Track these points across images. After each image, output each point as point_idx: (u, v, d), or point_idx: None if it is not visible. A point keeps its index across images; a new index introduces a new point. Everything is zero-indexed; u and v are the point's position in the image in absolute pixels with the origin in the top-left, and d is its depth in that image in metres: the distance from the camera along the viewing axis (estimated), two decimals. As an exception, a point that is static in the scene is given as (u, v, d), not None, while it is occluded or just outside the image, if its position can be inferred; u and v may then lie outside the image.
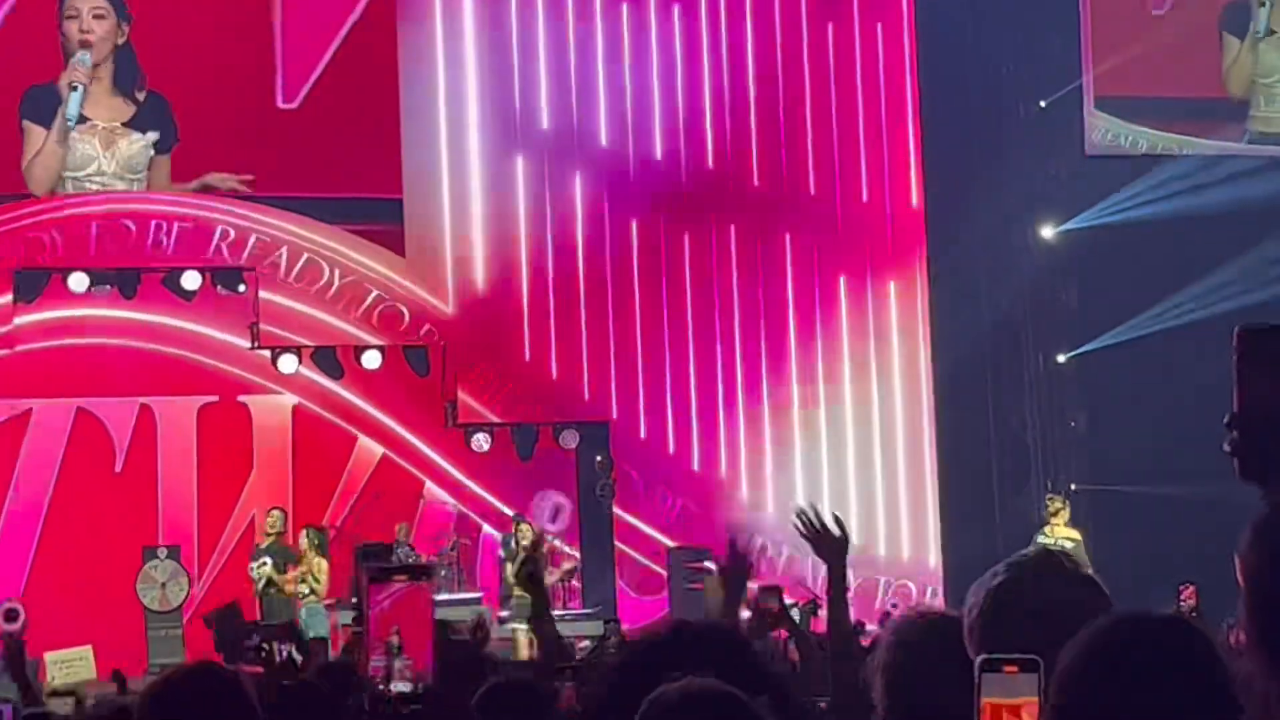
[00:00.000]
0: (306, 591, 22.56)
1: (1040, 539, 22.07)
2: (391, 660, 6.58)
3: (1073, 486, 24.91)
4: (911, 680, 4.36)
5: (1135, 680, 3.19)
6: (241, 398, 24.54)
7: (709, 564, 22.98)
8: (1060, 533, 22.50)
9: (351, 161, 24.99)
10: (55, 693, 16.26)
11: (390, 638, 6.49)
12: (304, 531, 22.84)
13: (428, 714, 6.62)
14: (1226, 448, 3.19)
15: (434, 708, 6.77)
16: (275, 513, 23.03)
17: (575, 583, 23.79)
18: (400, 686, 6.53)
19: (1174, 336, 25.18)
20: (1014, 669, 3.29)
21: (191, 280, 23.50)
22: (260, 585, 22.21)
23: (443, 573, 21.95)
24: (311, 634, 20.59)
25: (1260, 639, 2.94)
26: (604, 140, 25.93)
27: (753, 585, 17.52)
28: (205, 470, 24.47)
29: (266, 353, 23.92)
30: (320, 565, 22.39)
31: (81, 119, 24.68)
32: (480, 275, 25.45)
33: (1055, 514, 22.92)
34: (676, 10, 26.04)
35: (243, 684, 5.52)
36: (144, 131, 24.72)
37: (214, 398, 24.59)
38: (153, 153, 24.71)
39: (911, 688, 4.36)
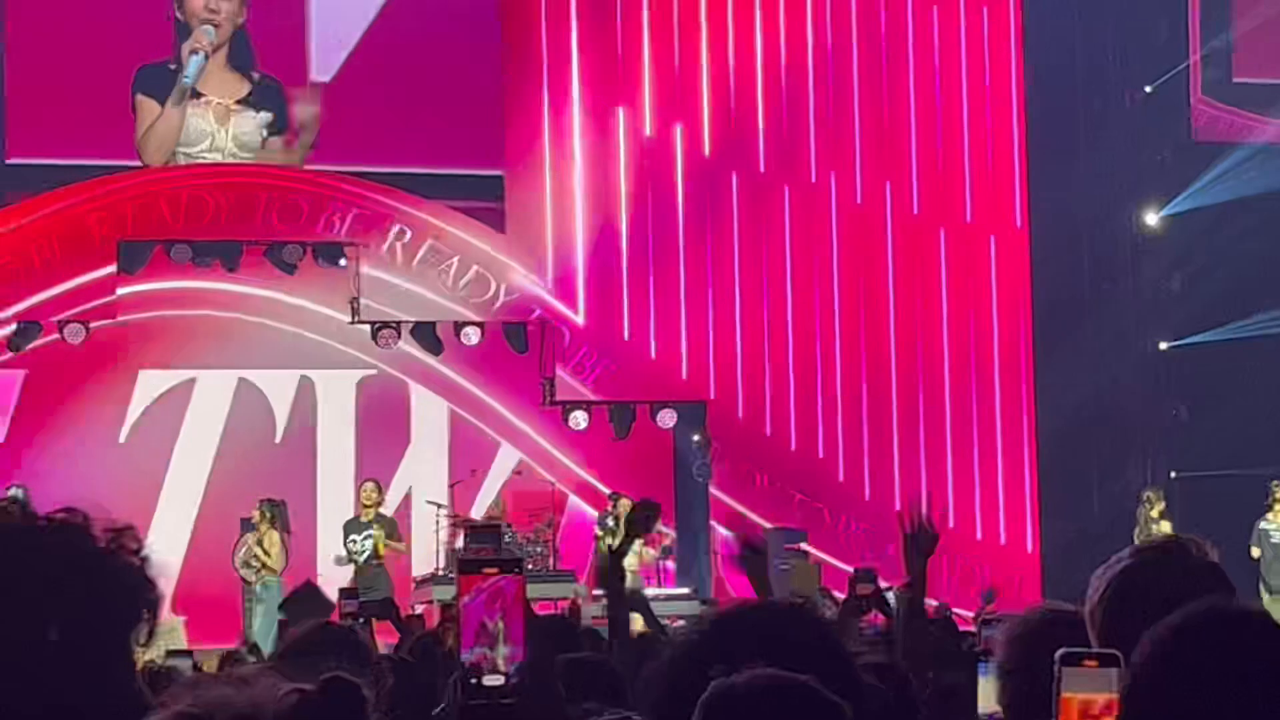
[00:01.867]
0: (258, 566, 22.04)
1: (1263, 524, 21.68)
2: (488, 651, 4.91)
3: (1172, 474, 24.36)
4: (1032, 675, 4.06)
5: (1201, 679, 3.03)
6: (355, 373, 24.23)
7: (804, 546, 23.05)
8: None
9: (454, 138, 24.67)
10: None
11: (490, 626, 4.84)
12: (258, 505, 22.17)
13: (521, 703, 4.95)
14: None
15: (524, 693, 5.12)
16: (369, 485, 22.58)
17: (670, 562, 23.30)
18: (492, 680, 4.93)
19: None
20: (1094, 664, 3.21)
21: (294, 254, 23.13)
22: (364, 557, 21.77)
23: (538, 549, 21.71)
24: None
25: None
26: (706, 135, 25.17)
27: (848, 569, 15.27)
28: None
29: (366, 327, 23.52)
30: (272, 538, 21.89)
31: (196, 94, 24.54)
32: (580, 253, 25.11)
33: (1275, 496, 22.07)
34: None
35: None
36: (258, 111, 24.79)
37: (373, 371, 24.25)
38: (266, 133, 24.77)
39: (1032, 683, 4.03)
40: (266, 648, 16.48)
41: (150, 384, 24.00)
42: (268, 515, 22.14)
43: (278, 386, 24.40)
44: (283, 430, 24.43)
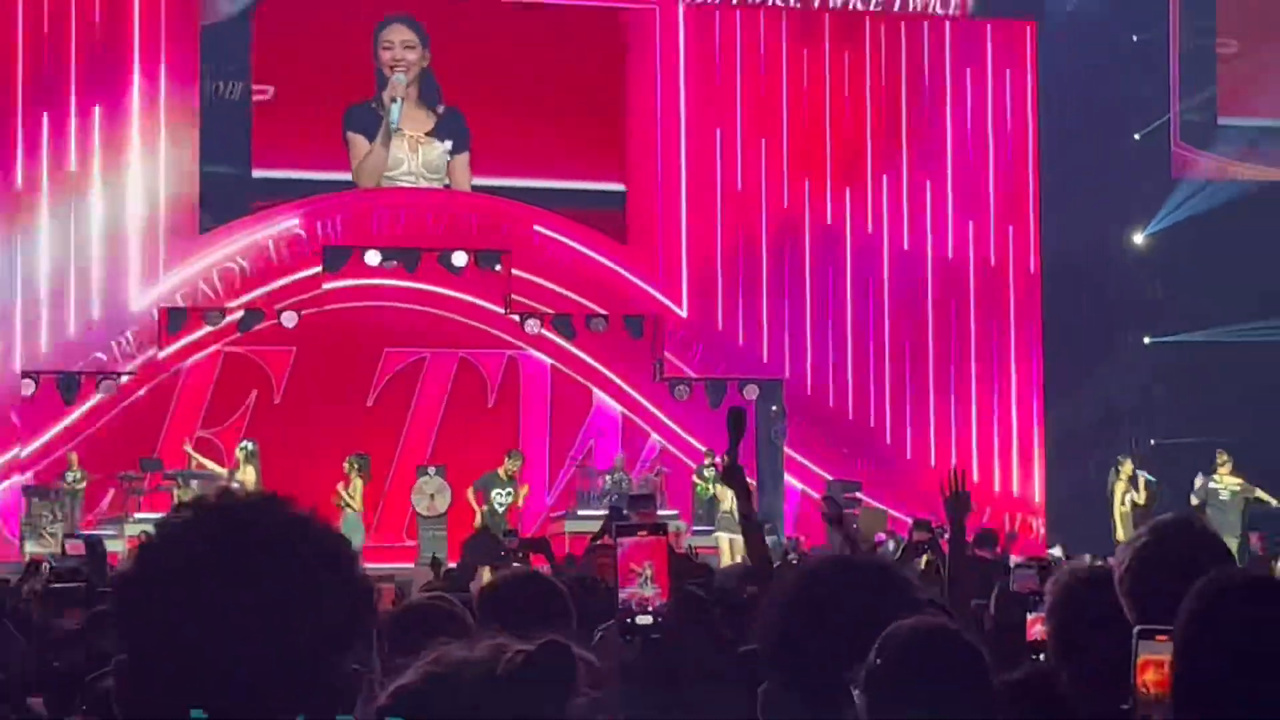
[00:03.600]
0: (343, 504, 22.61)
1: (1211, 484, 22.14)
2: (637, 590, 6.02)
3: (1152, 442, 25.04)
4: (1077, 625, 4.43)
5: (1222, 648, 3.21)
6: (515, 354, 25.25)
7: (860, 495, 23.97)
8: (1226, 481, 22.33)
9: (583, 160, 25.43)
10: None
11: (641, 572, 5.96)
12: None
13: (666, 635, 6.20)
14: None
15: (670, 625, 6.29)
16: (516, 454, 23.62)
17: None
18: (643, 619, 6.13)
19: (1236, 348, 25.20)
20: (1164, 638, 3.37)
21: (460, 259, 24.36)
22: (503, 509, 22.71)
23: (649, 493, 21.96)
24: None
25: None
26: (785, 184, 25.69)
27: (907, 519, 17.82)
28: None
29: (516, 317, 24.72)
30: (356, 484, 22.61)
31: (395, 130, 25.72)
32: (684, 259, 25.88)
33: (1223, 464, 22.59)
34: (841, 51, 25.78)
35: (558, 587, 5.62)
36: (442, 139, 25.44)
37: (520, 351, 24.97)
38: (449, 157, 25.40)
39: (1076, 632, 4.41)
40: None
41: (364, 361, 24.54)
42: (355, 465, 23.21)
43: (442, 365, 25.06)
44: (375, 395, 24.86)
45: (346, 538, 2.47)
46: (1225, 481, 22.43)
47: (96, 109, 24.44)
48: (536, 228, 25.56)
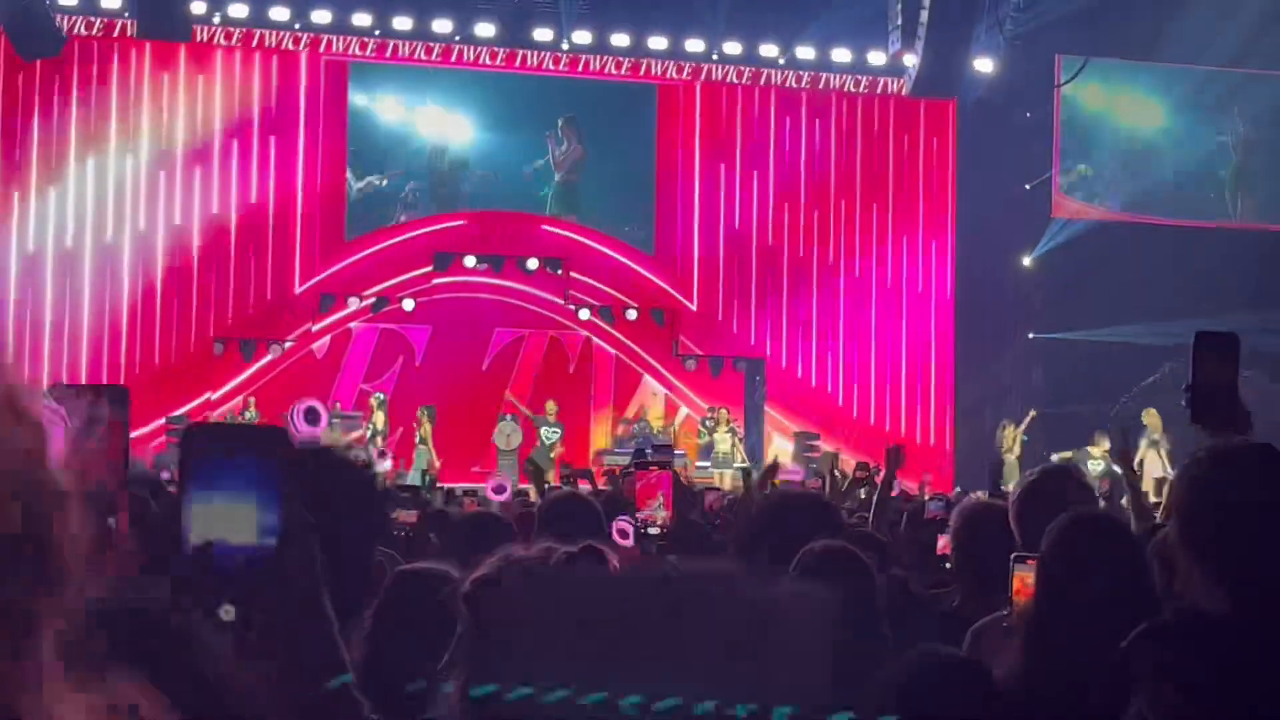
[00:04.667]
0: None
1: (1087, 459, 21.67)
2: (653, 513, 6.87)
3: (1032, 412, 25.13)
4: (974, 545, 4.72)
5: (1073, 571, 3.34)
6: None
7: (821, 444, 24.36)
8: (1097, 457, 21.94)
9: (622, 201, 27.01)
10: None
11: (655, 500, 6.76)
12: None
13: (669, 544, 6.79)
14: (1183, 402, 3.59)
15: (674, 539, 7.00)
16: (550, 403, 24.52)
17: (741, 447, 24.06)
18: (654, 530, 6.85)
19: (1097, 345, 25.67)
20: (1033, 561, 3.56)
21: (533, 263, 26.23)
22: (549, 444, 23.86)
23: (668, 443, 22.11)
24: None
25: (1188, 540, 2.87)
26: (770, 217, 27.09)
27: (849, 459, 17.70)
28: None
29: (573, 307, 26.25)
30: (427, 429, 23.40)
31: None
32: (695, 267, 27.35)
33: (1096, 443, 22.19)
34: (814, 120, 27.35)
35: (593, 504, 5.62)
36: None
37: (573, 331, 25.88)
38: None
39: (974, 550, 4.71)
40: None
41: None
42: (425, 414, 23.97)
43: (537, 341, 26.24)
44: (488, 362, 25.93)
45: (375, 474, 2.80)
46: (1096, 456, 21.96)
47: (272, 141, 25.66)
48: (589, 243, 26.81)
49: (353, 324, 25.76)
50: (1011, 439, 23.90)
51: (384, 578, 3.58)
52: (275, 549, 1.92)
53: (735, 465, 22.46)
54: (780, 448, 24.48)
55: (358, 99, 26.38)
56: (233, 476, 1.91)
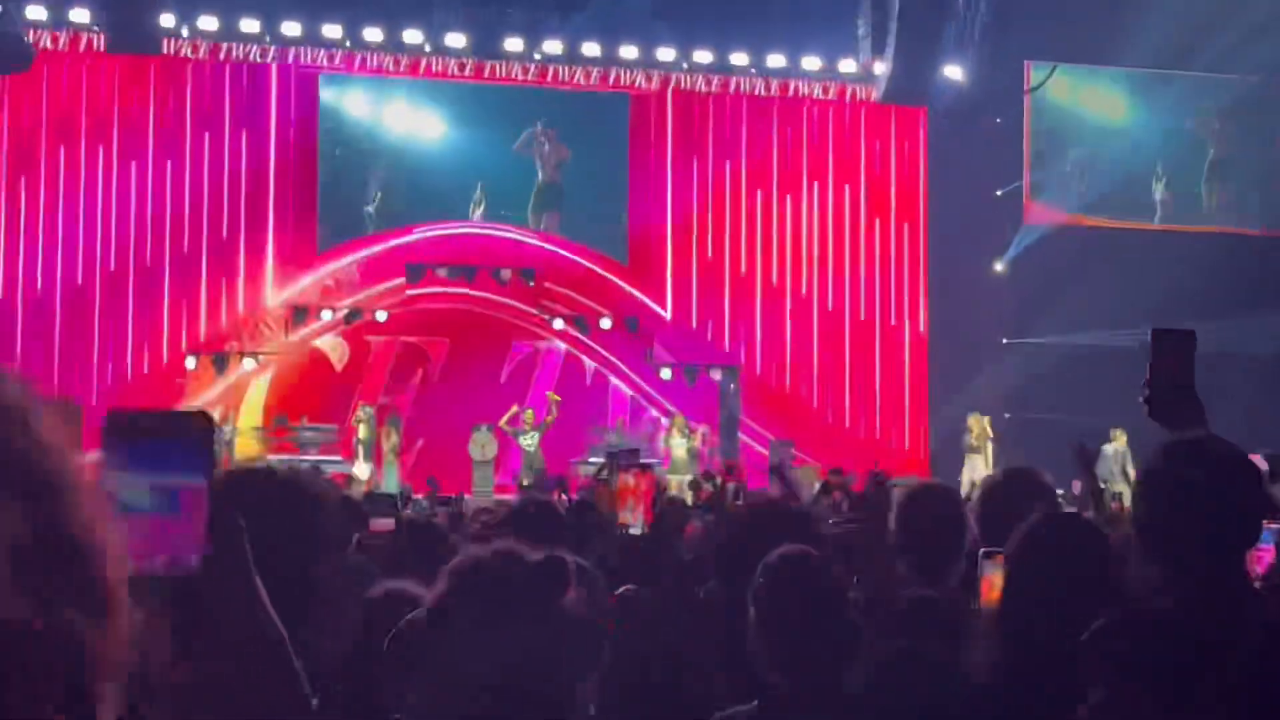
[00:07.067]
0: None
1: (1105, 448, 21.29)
2: (629, 515, 6.97)
3: (1006, 415, 25.52)
4: (916, 524, 4.69)
5: (1041, 570, 3.40)
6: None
7: (791, 450, 23.44)
8: (1115, 446, 21.72)
9: (599, 212, 27.16)
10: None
11: (631, 501, 6.89)
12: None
13: (648, 540, 6.86)
14: (1140, 399, 3.59)
15: (651, 536, 7.03)
16: (554, 395, 24.58)
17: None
18: (634, 529, 6.99)
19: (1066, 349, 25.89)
20: (1000, 558, 3.59)
21: (506, 274, 26.11)
22: (531, 449, 23.67)
23: (642, 446, 21.61)
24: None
25: (1140, 529, 2.96)
26: (744, 240, 27.31)
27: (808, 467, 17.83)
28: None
29: (546, 317, 26.39)
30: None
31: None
32: (669, 277, 27.40)
33: (1117, 438, 21.99)
34: (784, 129, 27.64)
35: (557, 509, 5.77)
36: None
37: (549, 342, 25.99)
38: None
39: (917, 529, 4.66)
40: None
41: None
42: (394, 425, 23.75)
43: (495, 349, 26.09)
44: (506, 374, 26.14)
45: (322, 485, 3.01)
46: (1115, 446, 21.88)
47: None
48: (566, 254, 26.90)
49: (370, 337, 26.06)
50: (978, 432, 23.95)
51: (357, 587, 3.68)
52: (206, 541, 1.92)
53: (685, 475, 22.27)
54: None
55: (326, 99, 26.66)
56: (155, 460, 1.91)
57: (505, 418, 23.88)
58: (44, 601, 1.16)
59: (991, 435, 23.89)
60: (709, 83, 27.07)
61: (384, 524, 7.29)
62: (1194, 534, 2.92)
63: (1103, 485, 7.04)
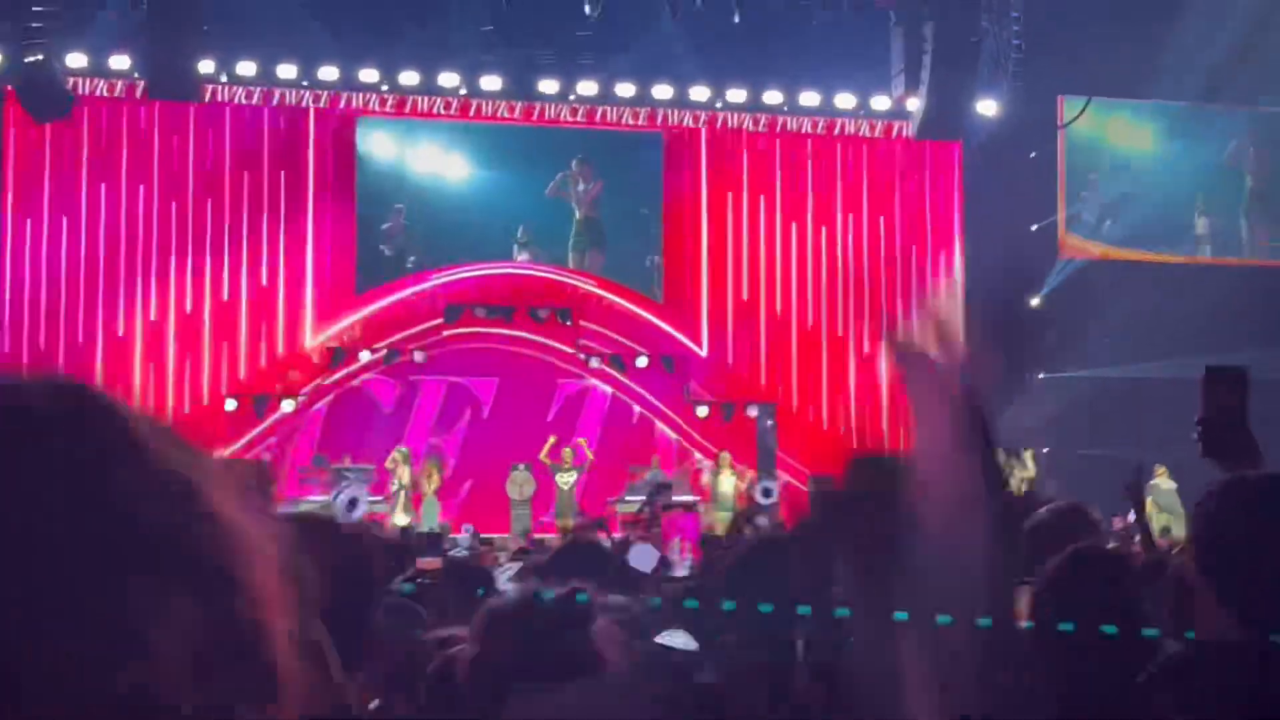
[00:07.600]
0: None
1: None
2: (676, 557, 7.16)
3: (1045, 450, 25.51)
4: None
5: (1063, 603, 3.44)
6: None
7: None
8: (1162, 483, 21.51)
9: (629, 250, 27.55)
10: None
11: (674, 542, 7.47)
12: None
13: (698, 583, 6.70)
14: (1194, 436, 3.54)
15: (701, 578, 6.96)
16: (574, 441, 24.75)
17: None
18: (681, 571, 7.01)
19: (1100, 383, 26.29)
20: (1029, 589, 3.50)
21: (543, 314, 26.20)
22: (568, 489, 24.22)
23: (677, 482, 23.52)
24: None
25: (1206, 569, 2.88)
26: (778, 282, 27.71)
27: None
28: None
29: (583, 356, 26.25)
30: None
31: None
32: (705, 314, 27.75)
33: (1160, 474, 21.77)
34: (819, 166, 27.99)
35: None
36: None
37: (586, 381, 26.08)
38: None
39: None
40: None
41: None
42: (435, 466, 24.06)
43: (540, 389, 26.42)
44: (554, 412, 26.27)
45: (371, 544, 3.14)
46: (1158, 482, 21.72)
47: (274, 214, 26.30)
48: (602, 293, 27.00)
49: (414, 377, 26.08)
50: (1020, 475, 23.80)
51: (404, 629, 3.84)
52: None
53: (729, 513, 22.29)
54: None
55: (363, 141, 27.13)
56: None
57: (545, 449, 24.06)
58: (219, 706, 1.08)
59: (1032, 474, 23.93)
60: (743, 120, 27.30)
61: (431, 562, 7.46)
62: (1262, 569, 2.88)
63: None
